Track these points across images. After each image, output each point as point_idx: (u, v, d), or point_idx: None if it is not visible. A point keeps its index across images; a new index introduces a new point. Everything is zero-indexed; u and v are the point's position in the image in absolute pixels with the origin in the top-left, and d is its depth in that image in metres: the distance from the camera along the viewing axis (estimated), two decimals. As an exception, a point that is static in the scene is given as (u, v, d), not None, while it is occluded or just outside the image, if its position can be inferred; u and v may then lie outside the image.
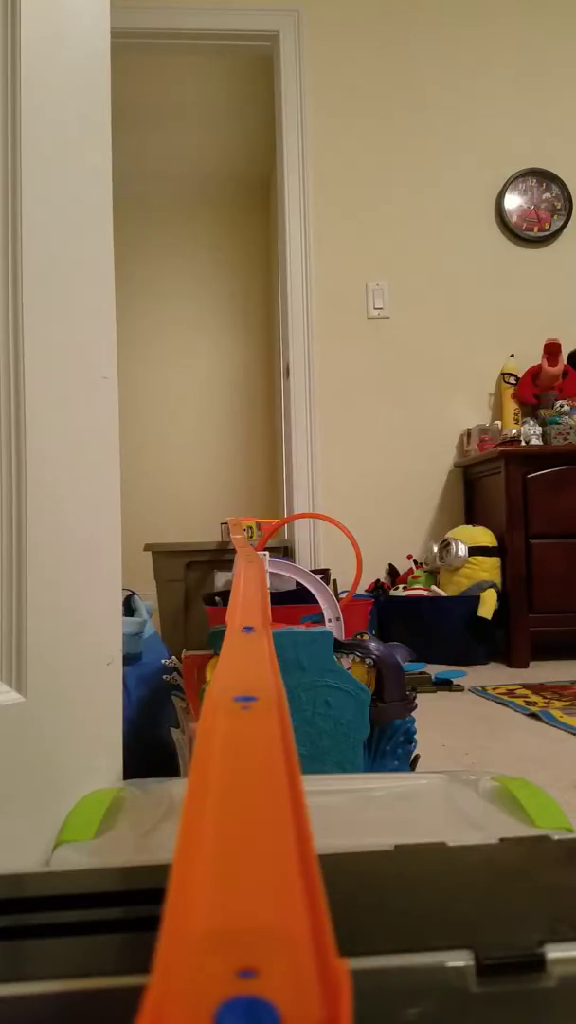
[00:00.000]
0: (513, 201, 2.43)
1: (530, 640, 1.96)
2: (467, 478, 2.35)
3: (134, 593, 0.95)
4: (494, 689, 1.59)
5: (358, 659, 0.66)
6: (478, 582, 2.01)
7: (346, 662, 0.65)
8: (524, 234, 2.42)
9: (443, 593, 2.08)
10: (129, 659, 0.81)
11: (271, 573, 0.82)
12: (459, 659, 1.97)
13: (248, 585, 0.57)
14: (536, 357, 2.32)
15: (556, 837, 0.33)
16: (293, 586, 1.43)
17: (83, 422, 0.55)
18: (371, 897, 0.27)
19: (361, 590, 2.22)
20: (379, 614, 2.07)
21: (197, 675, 0.66)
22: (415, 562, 2.29)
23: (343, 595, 1.38)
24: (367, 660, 0.66)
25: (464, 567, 2.04)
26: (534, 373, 2.28)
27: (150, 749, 0.76)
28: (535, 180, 2.44)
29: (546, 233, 2.43)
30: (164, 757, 0.74)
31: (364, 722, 0.62)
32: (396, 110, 2.43)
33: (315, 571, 1.93)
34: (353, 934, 0.23)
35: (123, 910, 0.26)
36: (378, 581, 2.26)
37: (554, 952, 0.22)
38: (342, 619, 0.79)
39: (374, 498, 2.36)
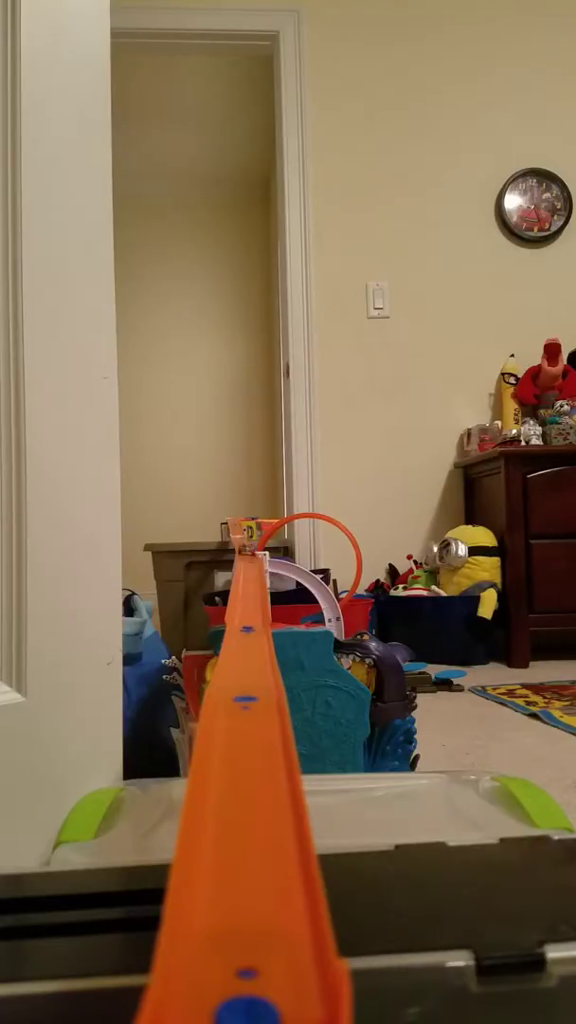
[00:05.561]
0: (513, 201, 2.43)
1: (530, 640, 1.96)
2: (467, 478, 2.35)
3: (134, 593, 0.95)
4: (494, 689, 1.59)
5: (358, 659, 0.66)
6: (478, 582, 2.01)
7: (346, 662, 0.65)
8: (524, 234, 2.42)
9: (443, 593, 2.08)
10: (129, 659, 0.81)
11: (271, 573, 0.81)
12: (459, 659, 1.97)
13: (248, 585, 0.57)
14: (536, 357, 2.32)
15: (556, 837, 0.33)
16: (293, 586, 1.42)
17: (83, 422, 0.55)
18: (371, 897, 0.27)
19: (361, 590, 2.22)
20: (379, 614, 2.07)
21: (197, 675, 0.66)
22: (415, 562, 2.29)
23: (343, 595, 1.38)
24: (367, 660, 0.66)
25: (464, 567, 2.04)
26: (534, 373, 2.28)
27: (150, 749, 0.76)
28: (535, 180, 2.44)
29: (546, 233, 2.43)
30: (164, 757, 0.74)
31: (364, 722, 0.61)
32: (396, 110, 2.43)
33: (315, 571, 1.93)
34: (353, 934, 0.23)
35: (123, 910, 0.26)
36: (378, 581, 2.26)
37: (554, 952, 0.22)
38: (342, 619, 0.79)
39: (374, 498, 2.36)
